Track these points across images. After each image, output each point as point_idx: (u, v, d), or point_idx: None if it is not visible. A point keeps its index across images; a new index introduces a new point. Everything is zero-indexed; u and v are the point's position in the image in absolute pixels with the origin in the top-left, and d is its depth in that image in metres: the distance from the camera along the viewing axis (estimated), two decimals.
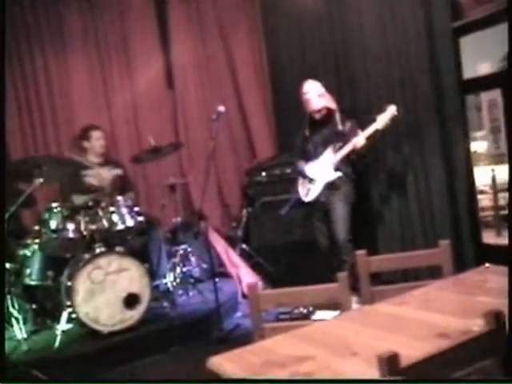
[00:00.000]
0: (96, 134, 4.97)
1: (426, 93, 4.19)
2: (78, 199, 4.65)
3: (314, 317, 4.07)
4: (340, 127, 4.40)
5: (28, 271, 4.27)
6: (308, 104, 4.45)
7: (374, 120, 4.15)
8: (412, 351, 1.53)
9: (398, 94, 4.42)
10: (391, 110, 4.11)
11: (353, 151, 4.29)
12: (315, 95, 4.42)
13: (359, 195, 4.54)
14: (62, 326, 3.89)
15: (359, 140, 4.18)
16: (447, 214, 4.16)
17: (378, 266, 2.66)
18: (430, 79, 4.14)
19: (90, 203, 4.27)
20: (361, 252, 2.60)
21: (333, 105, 4.46)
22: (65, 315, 3.93)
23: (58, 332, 3.85)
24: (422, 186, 4.37)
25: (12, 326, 3.98)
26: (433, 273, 2.83)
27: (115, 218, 4.21)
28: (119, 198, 4.37)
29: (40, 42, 5.27)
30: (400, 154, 4.53)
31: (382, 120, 4.11)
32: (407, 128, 4.39)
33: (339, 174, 4.36)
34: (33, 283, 4.29)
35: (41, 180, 3.93)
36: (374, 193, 4.82)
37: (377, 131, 4.15)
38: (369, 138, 4.19)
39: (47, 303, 4.37)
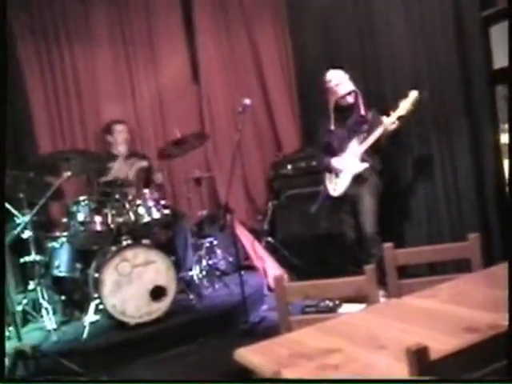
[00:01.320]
0: (118, 128, 5.02)
1: (453, 82, 4.12)
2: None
3: (340, 310, 4.05)
4: (363, 112, 4.38)
5: (57, 263, 4.33)
6: (333, 91, 4.41)
7: (396, 106, 4.12)
8: (440, 345, 1.51)
9: (424, 83, 4.35)
10: (413, 96, 4.08)
11: (377, 141, 4.25)
12: (342, 80, 4.40)
13: (385, 187, 4.50)
14: (90, 317, 3.95)
15: (387, 126, 4.15)
16: (475, 206, 4.10)
17: (406, 258, 2.63)
18: (459, 68, 4.07)
19: (117, 196, 4.31)
20: (388, 245, 2.58)
21: (357, 90, 4.44)
22: (92, 307, 3.98)
23: (86, 323, 3.90)
24: (450, 178, 4.31)
25: (42, 316, 4.04)
26: (460, 267, 2.79)
27: (141, 210, 4.25)
28: (145, 190, 4.40)
29: (68, 37, 5.31)
30: (427, 144, 4.47)
31: (404, 106, 4.09)
32: (434, 118, 4.34)
33: (366, 165, 4.33)
34: (61, 275, 4.35)
35: (69, 173, 3.96)
36: (401, 184, 4.77)
37: (400, 117, 4.12)
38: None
39: (75, 295, 4.44)
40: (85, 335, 3.84)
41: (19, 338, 3.56)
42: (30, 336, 3.96)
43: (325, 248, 5.09)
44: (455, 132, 4.19)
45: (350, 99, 4.41)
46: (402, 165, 4.74)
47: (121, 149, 5.04)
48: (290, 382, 1.53)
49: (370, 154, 4.35)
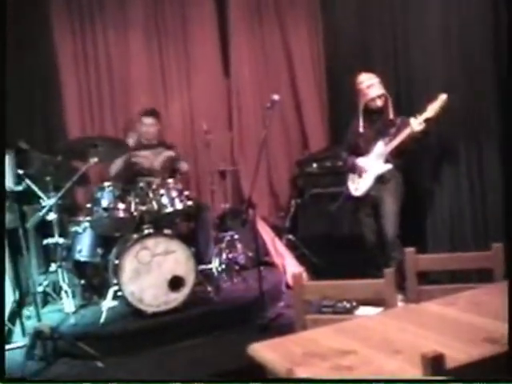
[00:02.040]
0: (146, 121, 5.00)
1: (486, 87, 4.06)
2: (115, 168, 4.77)
3: (357, 312, 4.02)
4: (392, 116, 4.37)
5: (78, 247, 4.38)
6: (364, 93, 4.40)
7: (424, 109, 4.10)
8: (457, 353, 1.50)
9: (456, 86, 4.30)
10: (442, 99, 4.05)
11: (403, 142, 4.23)
12: (371, 84, 4.38)
13: (409, 189, 4.46)
14: (108, 302, 3.98)
15: (413, 128, 4.12)
16: (502, 214, 4.03)
17: (427, 264, 2.61)
18: (493, 74, 4.00)
19: (141, 184, 4.34)
20: (410, 249, 2.56)
21: (387, 94, 4.42)
22: (111, 292, 4.01)
23: (104, 308, 3.93)
24: (477, 183, 4.24)
25: (61, 298, 4.10)
26: (482, 276, 2.75)
27: (165, 200, 4.26)
28: (170, 180, 4.42)
29: (103, 25, 5.37)
30: (455, 150, 4.42)
31: (432, 109, 4.06)
32: (464, 124, 4.28)
33: (389, 166, 4.32)
34: (82, 259, 4.40)
35: (95, 159, 4.00)
36: (425, 189, 4.71)
37: (427, 120, 4.09)
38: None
39: (95, 279, 4.49)
40: (102, 320, 3.87)
41: (39, 319, 3.63)
42: (49, 317, 4.01)
43: (345, 249, 5.06)
44: (485, 139, 4.13)
45: (380, 102, 4.40)
46: (427, 169, 4.68)
47: (148, 139, 5.07)
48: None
49: (394, 156, 4.33)
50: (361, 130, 4.48)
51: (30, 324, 3.81)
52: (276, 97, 4.23)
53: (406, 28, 4.83)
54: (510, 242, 3.81)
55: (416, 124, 4.11)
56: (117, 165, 4.77)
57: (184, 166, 5.02)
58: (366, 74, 4.45)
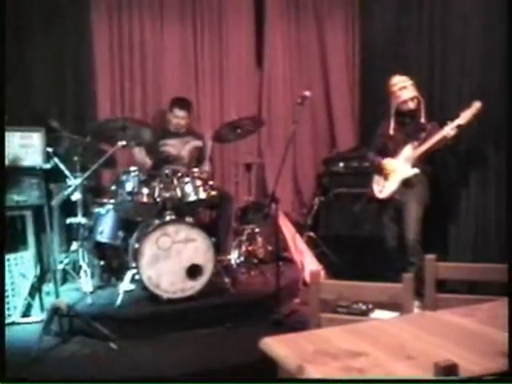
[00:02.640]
0: (178, 113, 5.01)
1: None
2: (138, 155, 4.80)
3: (373, 315, 3.99)
4: (423, 120, 4.33)
5: (100, 229, 4.43)
6: (397, 95, 4.37)
7: (457, 116, 4.05)
8: (470, 365, 1.48)
9: (491, 95, 4.24)
10: (476, 107, 4.00)
11: (432, 148, 4.19)
12: (408, 84, 4.35)
13: (435, 196, 4.42)
14: (125, 285, 4.02)
15: (444, 134, 4.08)
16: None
17: (447, 273, 2.58)
18: None
19: (167, 171, 4.36)
20: (430, 256, 2.53)
21: (420, 97, 4.38)
22: (129, 276, 4.05)
23: (121, 291, 3.97)
24: (504, 196, 4.18)
25: (80, 278, 4.16)
26: (503, 290, 2.71)
27: (188, 188, 4.28)
28: (195, 169, 4.43)
29: (139, 11, 5.38)
30: (484, 155, 4.36)
31: (465, 116, 4.02)
32: (495, 128, 4.22)
33: (416, 170, 4.27)
34: (103, 240, 4.45)
35: (123, 142, 4.03)
36: (451, 195, 4.66)
37: (459, 126, 4.04)
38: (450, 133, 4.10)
39: (114, 262, 4.54)
40: (118, 302, 3.91)
41: (57, 295, 3.68)
42: (67, 295, 4.06)
43: (366, 250, 5.04)
44: None
45: (412, 105, 4.36)
46: (455, 176, 4.63)
47: (178, 129, 5.09)
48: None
49: (422, 161, 4.29)
50: (391, 132, 4.44)
51: (49, 300, 3.88)
52: (307, 93, 4.20)
53: (444, 33, 4.77)
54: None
55: (447, 130, 4.07)
56: (140, 157, 4.79)
57: (206, 167, 4.99)
58: (399, 77, 4.41)
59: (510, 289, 2.20)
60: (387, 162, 4.41)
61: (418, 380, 1.31)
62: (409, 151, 4.31)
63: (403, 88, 4.34)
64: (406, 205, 4.31)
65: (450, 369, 1.27)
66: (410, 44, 5.18)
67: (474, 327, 1.84)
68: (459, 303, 2.27)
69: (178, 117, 5.03)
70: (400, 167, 4.34)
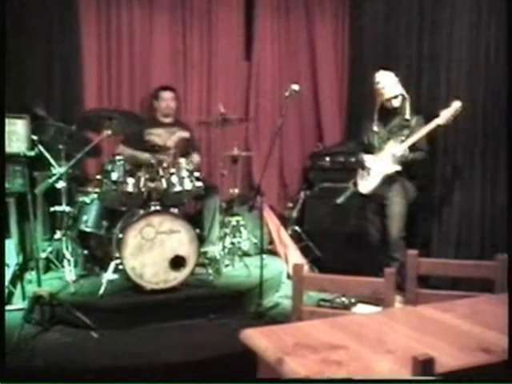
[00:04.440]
0: (165, 95, 5.05)
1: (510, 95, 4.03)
2: (123, 151, 4.78)
3: (355, 309, 4.03)
4: (408, 116, 4.36)
5: (85, 218, 4.40)
6: (380, 93, 4.39)
7: (437, 115, 4.10)
8: (449, 359, 1.49)
9: (478, 93, 4.27)
10: (455, 106, 4.05)
11: (414, 145, 4.25)
12: (389, 84, 4.37)
13: (420, 193, 4.45)
14: (109, 275, 4.00)
15: (424, 132, 4.16)
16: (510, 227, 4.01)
17: (429, 269, 2.60)
18: None
19: (153, 161, 4.34)
20: (412, 252, 2.55)
21: (405, 94, 4.41)
22: (112, 265, 4.03)
23: (104, 281, 3.95)
24: (488, 194, 4.22)
25: (63, 267, 4.13)
26: (485, 287, 2.73)
27: (174, 179, 4.26)
28: (181, 160, 4.42)
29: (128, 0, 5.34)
30: (469, 153, 4.40)
31: (444, 115, 4.06)
32: (483, 130, 4.26)
33: (397, 167, 4.31)
34: (87, 230, 4.42)
35: (109, 132, 4.01)
36: (436, 192, 4.70)
37: (439, 126, 4.10)
38: (429, 133, 4.17)
39: (98, 251, 4.51)
40: (101, 292, 3.90)
41: (39, 284, 3.66)
42: (49, 283, 4.05)
43: (350, 245, 5.06)
44: (500, 142, 4.10)
45: (396, 103, 4.39)
46: (441, 174, 4.66)
47: (165, 116, 5.08)
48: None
49: (405, 156, 4.32)
50: (375, 128, 4.47)
51: (31, 288, 3.85)
52: (296, 87, 4.19)
53: (433, 28, 4.79)
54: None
55: (427, 130, 4.14)
56: (124, 152, 4.78)
57: (196, 157, 4.99)
58: (383, 73, 4.42)
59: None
60: (369, 158, 4.45)
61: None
62: (392, 147, 4.33)
63: (386, 86, 4.36)
64: (390, 201, 4.36)
65: (427, 363, 1.28)
66: (400, 39, 5.19)
67: (453, 322, 1.86)
68: (441, 299, 2.29)
69: (167, 99, 5.05)
70: (382, 163, 4.36)
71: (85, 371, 3.15)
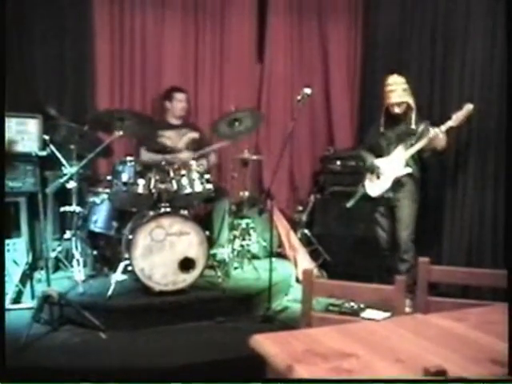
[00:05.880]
0: (179, 96, 5.07)
1: None
2: (147, 156, 4.79)
3: (364, 314, 4.01)
4: (414, 127, 4.36)
5: (94, 218, 4.41)
6: (389, 96, 4.39)
7: (449, 118, 4.09)
8: (460, 370, 1.47)
9: (491, 96, 4.24)
10: (467, 109, 4.05)
11: (424, 149, 4.25)
12: (399, 88, 4.36)
13: (431, 197, 4.43)
14: (118, 276, 4.00)
15: (433, 135, 4.13)
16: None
17: (440, 276, 2.58)
18: None
19: (163, 163, 4.35)
20: (424, 259, 2.53)
21: (412, 103, 4.38)
22: (121, 266, 4.03)
23: (113, 281, 3.96)
24: (501, 200, 4.18)
25: (72, 266, 4.14)
26: (496, 296, 2.71)
27: (184, 181, 4.26)
28: (192, 162, 4.42)
29: (141, 0, 5.35)
30: (482, 158, 4.36)
31: (456, 118, 4.06)
32: (496, 132, 4.23)
33: (409, 170, 4.32)
34: (97, 230, 4.43)
35: (121, 133, 4.03)
36: (448, 197, 4.66)
37: (451, 129, 4.09)
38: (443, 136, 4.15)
39: (107, 252, 4.52)
40: (109, 292, 3.90)
41: (48, 283, 3.67)
42: (59, 283, 4.06)
43: (360, 250, 5.05)
44: None
45: (398, 110, 4.41)
46: (452, 178, 4.63)
47: (176, 117, 5.09)
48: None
49: (414, 160, 4.36)
50: (381, 129, 4.48)
51: (40, 288, 3.86)
52: (308, 90, 4.17)
53: (446, 32, 4.76)
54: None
55: (436, 133, 4.10)
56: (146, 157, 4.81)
57: (212, 158, 5.01)
58: (395, 77, 4.43)
59: (510, 294, 2.19)
60: (379, 161, 4.44)
61: (419, 380, 1.31)
62: (401, 151, 4.36)
63: (393, 91, 4.37)
64: (399, 204, 4.38)
65: (440, 374, 1.26)
66: (412, 43, 5.17)
67: (464, 332, 1.84)
68: (451, 307, 2.27)
69: (182, 100, 5.08)
70: (393, 166, 4.36)
71: (92, 371, 3.16)
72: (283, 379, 1.52)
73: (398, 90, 4.36)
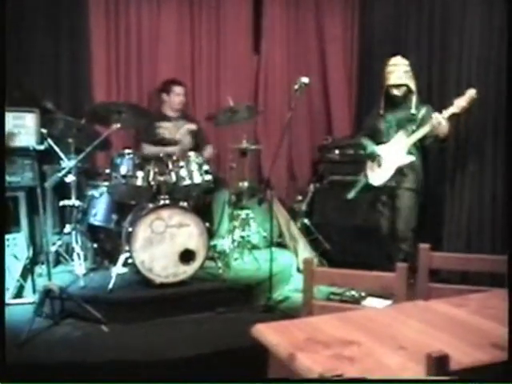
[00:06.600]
0: (177, 89, 5.05)
1: None
2: (148, 149, 4.79)
3: (365, 302, 4.02)
4: (414, 111, 4.30)
5: (94, 211, 4.41)
6: (388, 77, 4.34)
7: (451, 103, 4.02)
8: (462, 356, 1.48)
9: (491, 83, 4.22)
10: (470, 94, 3.97)
11: (426, 136, 4.20)
12: (399, 70, 4.32)
13: (431, 185, 4.42)
14: (118, 269, 4.00)
15: (436, 122, 4.05)
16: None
17: (441, 263, 2.58)
18: None
19: (161, 155, 4.34)
20: (424, 246, 2.53)
21: (413, 86, 4.34)
22: (122, 259, 4.03)
23: (114, 274, 3.96)
24: (500, 186, 4.18)
25: (73, 260, 4.14)
26: (495, 282, 2.71)
27: (183, 172, 4.26)
28: (191, 153, 4.41)
29: None
30: (481, 145, 4.34)
31: (459, 103, 3.98)
32: (495, 121, 4.21)
33: (412, 158, 4.26)
34: (97, 223, 4.44)
35: (118, 125, 4.02)
36: (447, 184, 4.65)
37: (454, 115, 4.02)
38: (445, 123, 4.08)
39: (107, 245, 4.52)
40: (110, 285, 3.90)
41: (49, 277, 3.67)
42: (59, 277, 4.06)
43: (359, 238, 5.05)
44: None
45: (397, 92, 4.35)
46: (452, 166, 4.62)
47: (173, 110, 5.08)
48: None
49: (416, 148, 4.31)
50: (381, 111, 4.44)
51: (41, 282, 3.87)
52: (305, 79, 4.12)
53: (444, 19, 4.74)
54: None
55: (438, 120, 4.04)
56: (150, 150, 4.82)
57: (209, 150, 5.00)
58: (397, 58, 4.39)
59: (510, 280, 2.20)
60: (380, 149, 4.40)
61: (420, 380, 1.31)
62: (402, 138, 4.29)
63: (393, 71, 4.32)
64: (401, 193, 4.33)
65: (442, 360, 1.27)
66: (410, 31, 5.14)
67: (465, 317, 1.84)
68: (451, 293, 2.27)
69: (180, 94, 5.06)
70: (395, 154, 4.31)
71: (94, 364, 3.16)
72: (283, 379, 1.52)
73: (397, 72, 4.30)
